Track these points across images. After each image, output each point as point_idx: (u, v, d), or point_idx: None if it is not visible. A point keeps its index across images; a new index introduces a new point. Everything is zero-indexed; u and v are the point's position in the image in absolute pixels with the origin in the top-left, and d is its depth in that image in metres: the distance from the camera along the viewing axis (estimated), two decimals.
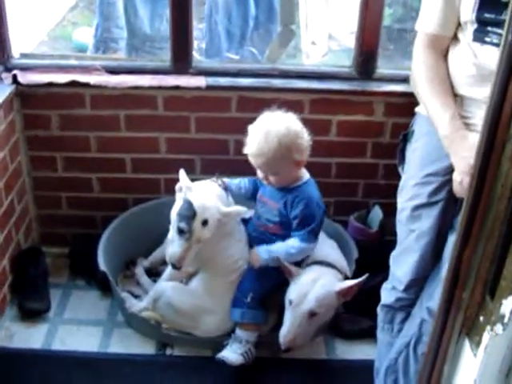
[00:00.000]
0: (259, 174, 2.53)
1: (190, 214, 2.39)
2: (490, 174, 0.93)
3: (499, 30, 1.88)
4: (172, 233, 2.46)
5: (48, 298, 2.87)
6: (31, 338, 2.70)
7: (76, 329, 2.77)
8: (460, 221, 1.01)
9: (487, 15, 1.89)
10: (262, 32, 4.41)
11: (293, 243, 2.54)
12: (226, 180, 2.69)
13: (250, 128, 2.48)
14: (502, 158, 0.91)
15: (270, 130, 2.42)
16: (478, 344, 1.00)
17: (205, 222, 2.42)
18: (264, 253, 2.56)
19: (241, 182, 2.72)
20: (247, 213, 2.63)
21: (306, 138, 2.49)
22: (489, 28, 1.90)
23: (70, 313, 2.86)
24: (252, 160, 2.47)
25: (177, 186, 2.52)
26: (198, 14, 4.54)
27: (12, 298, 2.87)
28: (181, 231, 2.40)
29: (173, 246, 2.44)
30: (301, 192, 2.53)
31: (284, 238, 2.58)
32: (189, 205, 2.41)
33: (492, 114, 0.90)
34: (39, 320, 2.79)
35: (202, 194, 2.48)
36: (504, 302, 0.94)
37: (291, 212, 2.53)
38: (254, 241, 2.68)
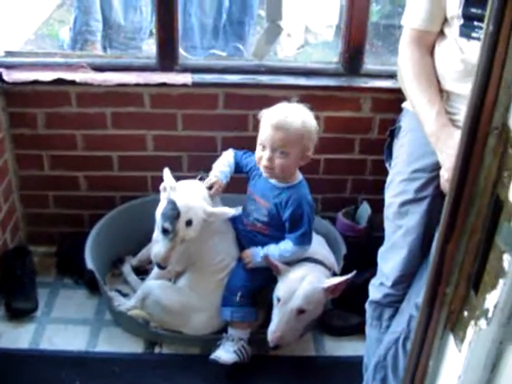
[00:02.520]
0: (266, 154, 2.45)
1: (173, 214, 2.39)
2: (473, 167, 0.92)
3: None
4: (157, 232, 2.45)
5: (35, 298, 2.86)
6: (19, 337, 2.68)
7: (64, 328, 2.75)
8: (443, 215, 1.00)
9: (473, 10, 1.88)
10: (235, 24, 4.44)
11: (286, 246, 2.54)
12: (222, 168, 2.67)
13: (273, 107, 2.50)
14: (485, 150, 0.90)
15: (296, 110, 2.46)
16: (463, 339, 0.99)
17: (189, 222, 2.41)
18: (257, 255, 2.56)
19: (227, 171, 2.69)
20: (234, 212, 2.60)
21: (316, 137, 2.50)
22: (475, 23, 1.89)
23: (57, 312, 2.84)
24: (268, 133, 2.42)
25: (161, 186, 2.50)
26: None
27: None
28: (165, 231, 2.40)
29: (157, 245, 2.44)
30: (295, 192, 2.52)
31: (271, 238, 2.58)
32: (173, 205, 2.40)
33: (474, 105, 0.90)
34: (26, 320, 2.77)
35: (187, 193, 2.47)
36: (488, 296, 0.93)
37: (284, 212, 2.52)
38: (242, 238, 2.67)
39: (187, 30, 4.36)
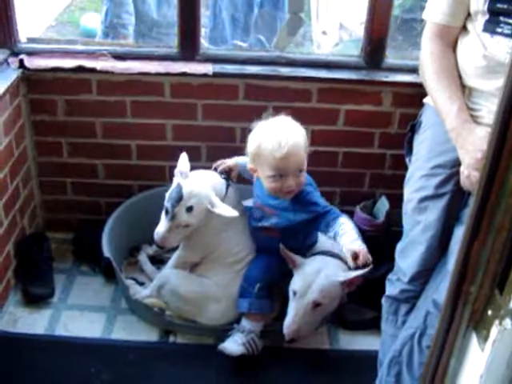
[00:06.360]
0: (288, 181, 2.40)
1: (176, 197, 2.46)
2: (502, 167, 0.91)
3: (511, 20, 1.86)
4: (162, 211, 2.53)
5: (52, 284, 2.88)
6: (35, 323, 2.70)
7: (79, 315, 2.77)
8: (469, 213, 0.99)
9: (500, 5, 1.87)
10: (267, 19, 4.39)
11: (348, 221, 2.48)
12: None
13: (259, 134, 2.42)
14: None
15: (286, 126, 2.42)
16: (486, 338, 0.98)
17: (189, 209, 2.46)
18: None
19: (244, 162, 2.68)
20: (236, 214, 2.51)
21: None
22: (501, 18, 1.88)
23: (73, 299, 2.86)
24: (280, 164, 2.36)
25: (176, 170, 2.55)
26: (205, 1, 4.51)
27: (16, 283, 2.87)
28: (166, 211, 2.48)
29: (160, 224, 2.52)
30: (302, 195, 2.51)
31: (280, 240, 2.55)
32: (178, 189, 2.48)
33: (504, 104, 0.88)
34: (43, 305, 2.79)
35: (196, 181, 2.52)
36: None
37: (303, 214, 2.51)
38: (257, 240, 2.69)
39: (217, 24, 4.33)
